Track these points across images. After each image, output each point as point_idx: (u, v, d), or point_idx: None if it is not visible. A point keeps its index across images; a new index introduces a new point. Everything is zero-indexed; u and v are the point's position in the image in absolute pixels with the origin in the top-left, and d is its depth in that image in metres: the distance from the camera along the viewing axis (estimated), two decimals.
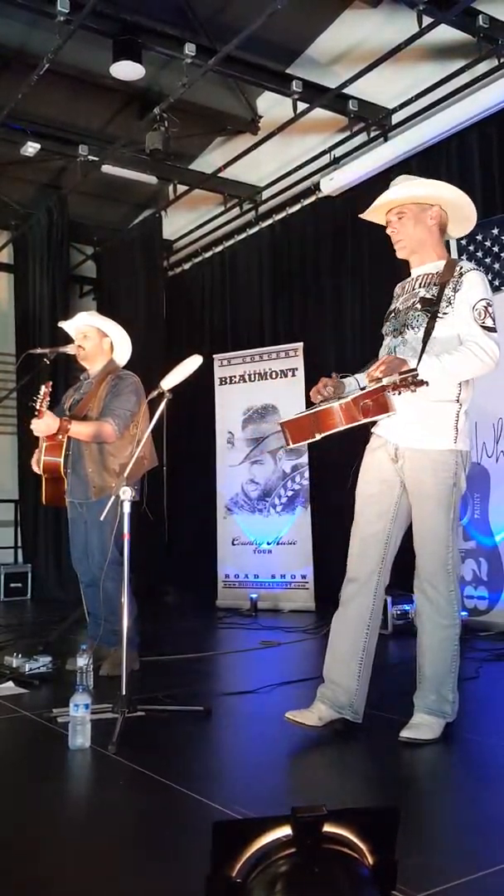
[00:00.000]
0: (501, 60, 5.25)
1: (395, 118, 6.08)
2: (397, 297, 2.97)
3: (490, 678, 3.68)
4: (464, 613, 4.82)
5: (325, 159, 6.59)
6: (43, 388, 3.62)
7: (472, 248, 5.24)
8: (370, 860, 1.18)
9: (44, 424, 3.65)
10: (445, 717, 2.71)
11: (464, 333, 2.68)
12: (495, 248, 5.12)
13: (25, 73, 5.52)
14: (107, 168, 6.89)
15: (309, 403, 2.82)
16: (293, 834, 1.15)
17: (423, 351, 2.64)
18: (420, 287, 2.83)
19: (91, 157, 6.69)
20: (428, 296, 2.76)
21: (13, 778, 2.53)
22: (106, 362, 4.01)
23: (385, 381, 2.49)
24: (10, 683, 3.56)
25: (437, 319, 2.69)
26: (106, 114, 7.14)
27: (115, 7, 5.19)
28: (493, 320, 2.70)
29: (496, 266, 5.12)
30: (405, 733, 2.66)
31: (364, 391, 2.56)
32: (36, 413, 3.64)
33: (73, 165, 7.07)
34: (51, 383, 3.72)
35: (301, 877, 1.13)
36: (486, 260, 5.17)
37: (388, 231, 2.89)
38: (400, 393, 2.45)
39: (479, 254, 5.20)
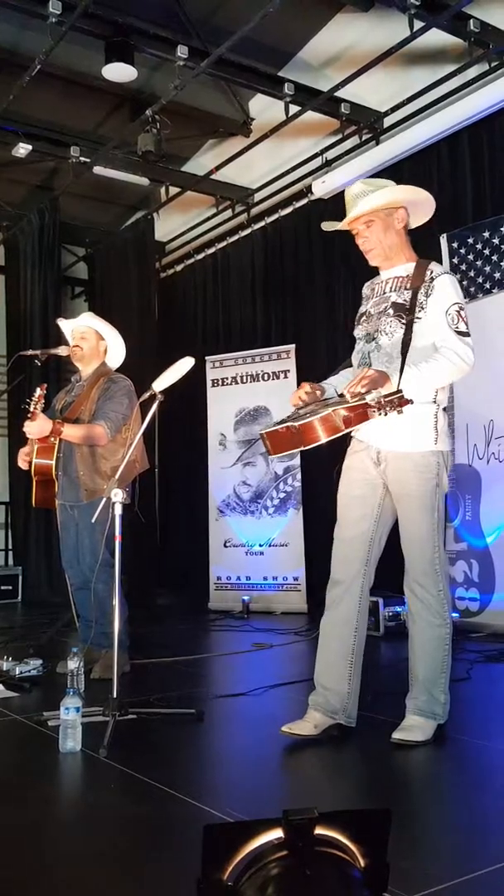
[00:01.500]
0: (492, 64, 5.28)
1: (387, 121, 6.10)
2: (367, 298, 2.95)
3: (481, 680, 3.68)
4: (455, 615, 4.84)
5: (317, 162, 6.61)
6: (38, 391, 3.62)
7: (463, 250, 5.26)
8: (362, 862, 1.18)
9: (37, 427, 3.64)
10: (437, 718, 2.71)
11: (438, 339, 2.69)
12: (486, 251, 5.14)
13: (17, 75, 5.51)
14: (99, 170, 6.88)
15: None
16: (285, 837, 1.15)
17: (403, 364, 2.63)
18: (391, 291, 2.81)
19: (83, 159, 6.68)
20: (400, 301, 2.75)
21: (3, 782, 2.51)
22: (98, 365, 4.01)
23: (369, 400, 2.47)
24: (1, 687, 3.54)
25: (412, 326, 2.69)
26: (98, 115, 7.13)
27: (108, 9, 5.18)
28: (466, 324, 2.71)
29: (487, 269, 5.14)
30: (397, 735, 2.66)
31: (344, 403, 2.52)
32: (29, 415, 3.63)
33: (64, 167, 7.06)
34: (45, 385, 3.72)
35: (293, 879, 1.13)
36: (477, 263, 5.19)
37: (359, 241, 2.87)
38: (386, 414, 2.43)
39: (471, 257, 5.22)
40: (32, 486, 3.91)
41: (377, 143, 6.20)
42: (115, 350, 4.05)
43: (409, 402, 2.45)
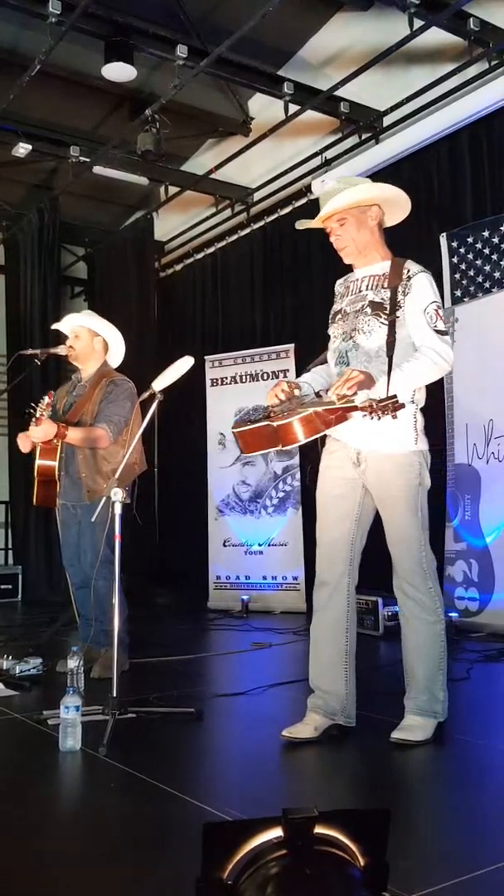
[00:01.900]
0: (492, 63, 5.27)
1: (387, 120, 6.10)
2: (340, 296, 2.93)
3: (481, 679, 3.68)
4: (454, 614, 4.85)
5: (317, 161, 6.61)
6: (46, 399, 3.62)
7: (462, 250, 5.26)
8: (361, 861, 1.18)
9: (42, 431, 3.65)
10: (437, 716, 2.72)
11: (417, 339, 2.68)
12: (486, 251, 5.14)
13: (17, 74, 5.51)
14: (98, 169, 6.88)
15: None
16: (284, 835, 1.15)
17: (390, 365, 2.61)
18: (367, 289, 2.80)
19: (82, 159, 6.68)
20: (377, 299, 2.74)
21: (4, 781, 2.51)
22: (99, 364, 4.00)
23: (358, 403, 2.45)
24: (1, 685, 3.54)
25: (395, 326, 2.68)
26: (97, 115, 7.13)
27: (107, 8, 5.18)
28: (444, 322, 2.71)
29: (486, 268, 5.14)
30: (396, 734, 2.66)
31: (327, 405, 2.49)
32: (34, 420, 3.63)
33: (64, 166, 7.07)
34: (52, 394, 3.73)
35: (292, 878, 1.13)
36: (477, 262, 5.19)
37: (332, 239, 2.85)
38: (380, 418, 2.40)
39: (470, 256, 5.22)
40: (34, 485, 3.91)
41: (377, 143, 6.20)
42: (114, 346, 4.05)
43: (403, 406, 2.44)
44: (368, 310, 2.74)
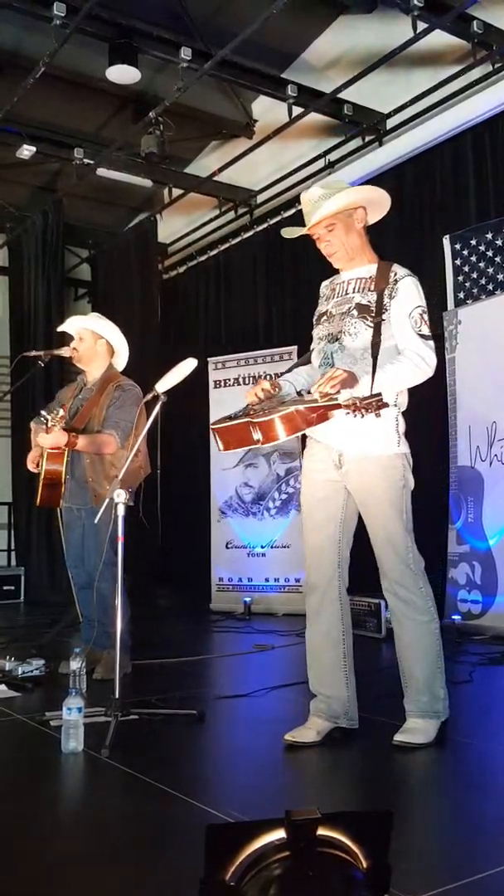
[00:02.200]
0: (496, 66, 5.28)
1: (390, 123, 6.10)
2: (326, 298, 2.92)
3: (484, 682, 3.68)
4: (457, 617, 4.85)
5: (320, 164, 6.62)
6: (60, 412, 3.63)
7: (465, 252, 5.26)
8: (364, 864, 1.18)
9: (52, 439, 3.66)
10: (439, 716, 2.71)
11: (401, 342, 2.67)
12: (489, 253, 5.14)
13: (21, 77, 5.51)
14: (102, 171, 6.89)
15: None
16: (287, 837, 1.15)
17: (375, 365, 2.60)
18: (354, 291, 2.79)
19: (86, 161, 6.68)
20: (364, 302, 2.73)
21: (6, 782, 2.52)
22: (105, 367, 4.02)
23: (341, 401, 2.44)
24: (3, 687, 3.54)
25: (381, 327, 2.67)
26: (101, 117, 7.14)
27: (111, 11, 5.19)
28: (429, 327, 2.70)
29: (489, 270, 5.14)
30: (399, 737, 2.66)
31: (310, 403, 2.47)
32: (45, 428, 3.64)
33: (68, 168, 7.07)
34: (66, 406, 3.75)
35: (295, 880, 1.13)
36: (480, 264, 5.19)
37: (321, 245, 2.84)
38: (363, 416, 2.40)
39: (473, 258, 5.22)
40: (38, 486, 3.92)
41: (380, 145, 6.21)
42: (118, 348, 4.06)
43: (387, 405, 2.44)
44: (355, 312, 2.73)
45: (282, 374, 2.97)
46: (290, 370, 2.97)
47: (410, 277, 2.74)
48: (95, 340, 4.00)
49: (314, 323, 2.92)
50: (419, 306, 2.69)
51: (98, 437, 3.77)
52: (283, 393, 2.77)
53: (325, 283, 2.97)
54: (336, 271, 2.94)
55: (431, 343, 2.69)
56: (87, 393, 4.01)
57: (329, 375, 2.53)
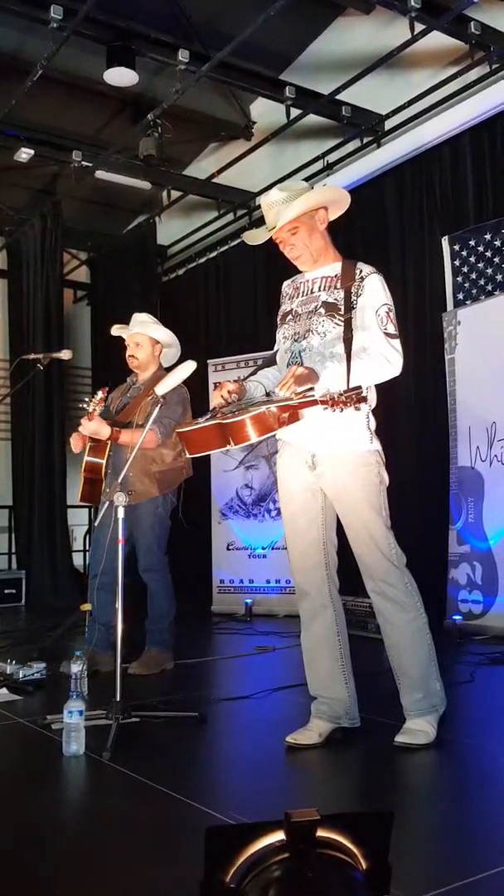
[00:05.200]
0: (493, 67, 5.28)
1: (388, 124, 6.11)
2: (289, 297, 2.88)
3: (485, 682, 3.68)
4: (458, 617, 4.84)
5: (319, 165, 6.62)
6: (99, 394, 3.71)
7: (464, 253, 5.26)
8: (364, 865, 1.18)
9: (93, 426, 3.72)
10: (437, 710, 2.71)
11: (367, 340, 2.64)
12: (488, 253, 5.15)
13: (19, 79, 5.52)
14: (100, 174, 6.89)
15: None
16: (287, 839, 1.15)
17: (350, 362, 2.57)
18: (320, 290, 2.76)
19: (85, 163, 6.69)
20: (331, 300, 2.71)
21: (7, 785, 2.52)
22: (155, 368, 4.10)
23: (317, 396, 2.41)
24: (5, 690, 3.55)
25: (351, 323, 2.65)
26: (99, 120, 7.15)
27: (109, 13, 5.20)
28: (395, 326, 2.68)
29: (488, 271, 5.14)
30: (400, 738, 2.65)
31: (282, 402, 2.44)
32: (87, 415, 3.70)
33: (66, 171, 7.07)
34: (106, 389, 3.78)
35: (295, 882, 1.13)
36: (479, 265, 5.19)
37: (284, 249, 2.80)
38: (343, 410, 2.38)
39: (472, 259, 5.22)
40: (80, 482, 3.94)
41: (379, 146, 6.21)
42: (170, 351, 4.17)
43: (365, 399, 2.42)
44: (322, 310, 2.71)
45: (246, 377, 2.94)
46: (254, 373, 2.94)
47: (376, 275, 2.72)
48: (153, 346, 4.09)
49: (278, 323, 2.88)
50: (385, 304, 2.67)
51: (139, 431, 3.77)
52: (250, 395, 2.74)
53: (287, 283, 2.94)
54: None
55: (397, 342, 2.65)
56: (135, 391, 4.08)
57: (290, 373, 2.50)
